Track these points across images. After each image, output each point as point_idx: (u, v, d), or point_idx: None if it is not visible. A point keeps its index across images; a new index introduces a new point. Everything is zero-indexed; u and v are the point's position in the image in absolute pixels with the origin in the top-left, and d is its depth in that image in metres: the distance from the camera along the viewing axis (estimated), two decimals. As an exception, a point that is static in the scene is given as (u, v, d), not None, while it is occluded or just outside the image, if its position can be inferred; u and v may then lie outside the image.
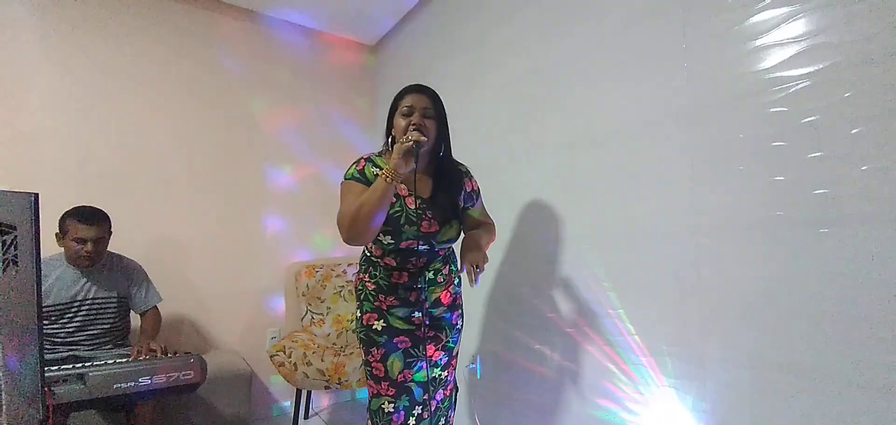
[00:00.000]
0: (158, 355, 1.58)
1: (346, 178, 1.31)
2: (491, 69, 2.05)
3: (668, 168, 1.31)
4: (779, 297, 1.06)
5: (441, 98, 1.35)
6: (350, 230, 1.18)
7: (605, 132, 1.51)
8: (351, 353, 2.19)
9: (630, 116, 1.42)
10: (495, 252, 1.88)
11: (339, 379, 2.04)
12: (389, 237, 1.28)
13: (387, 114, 1.36)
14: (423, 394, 1.37)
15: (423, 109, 1.27)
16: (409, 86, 1.33)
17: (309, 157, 2.86)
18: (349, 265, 2.74)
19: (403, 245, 1.29)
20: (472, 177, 1.47)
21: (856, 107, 0.94)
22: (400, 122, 1.27)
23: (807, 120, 1.02)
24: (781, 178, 1.06)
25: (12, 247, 0.82)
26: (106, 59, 2.27)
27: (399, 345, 1.34)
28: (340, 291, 2.63)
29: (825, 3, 0.99)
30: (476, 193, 1.47)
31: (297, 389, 2.33)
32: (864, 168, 0.93)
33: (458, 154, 1.46)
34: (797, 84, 1.03)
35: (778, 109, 1.06)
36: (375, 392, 1.35)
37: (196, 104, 2.49)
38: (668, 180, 1.31)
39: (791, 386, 1.04)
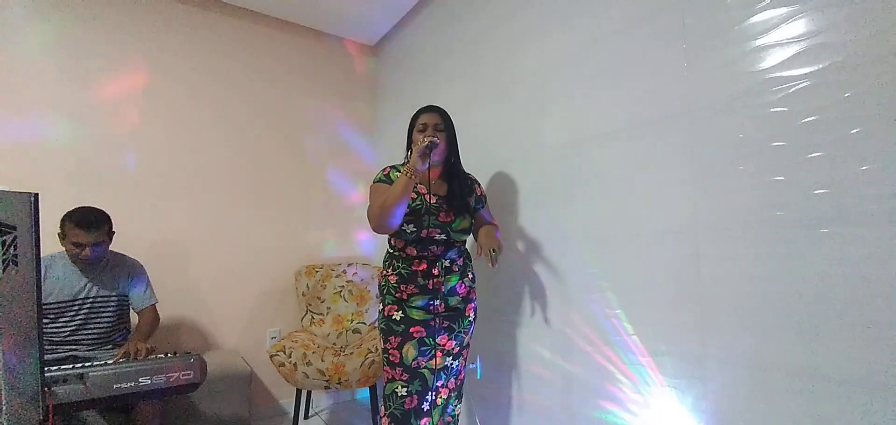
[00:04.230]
0: (143, 356, 1.55)
1: (374, 182, 1.55)
2: (491, 69, 2.05)
3: (668, 168, 1.31)
4: (779, 297, 1.06)
5: (450, 115, 1.58)
6: (379, 218, 1.40)
7: (605, 132, 1.51)
8: (351, 353, 2.19)
9: (630, 116, 1.43)
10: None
11: (339, 379, 2.04)
12: (412, 225, 1.46)
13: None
14: (435, 381, 1.50)
15: (435, 125, 1.53)
16: (424, 107, 1.58)
17: (308, 157, 2.86)
18: (349, 265, 2.74)
19: (424, 233, 1.47)
20: (479, 184, 1.70)
21: (856, 107, 0.95)
22: (417, 137, 1.53)
23: (807, 120, 1.02)
24: (781, 178, 1.06)
25: (12, 247, 0.83)
26: (107, 59, 2.27)
27: (414, 335, 1.48)
28: (340, 291, 2.63)
29: (825, 3, 0.99)
30: (484, 198, 1.68)
31: (297, 389, 2.33)
32: (864, 168, 0.93)
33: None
34: (797, 84, 1.03)
35: (778, 109, 1.06)
36: (390, 377, 1.50)
37: (196, 105, 2.49)
38: (667, 180, 1.31)
39: (791, 386, 1.04)
